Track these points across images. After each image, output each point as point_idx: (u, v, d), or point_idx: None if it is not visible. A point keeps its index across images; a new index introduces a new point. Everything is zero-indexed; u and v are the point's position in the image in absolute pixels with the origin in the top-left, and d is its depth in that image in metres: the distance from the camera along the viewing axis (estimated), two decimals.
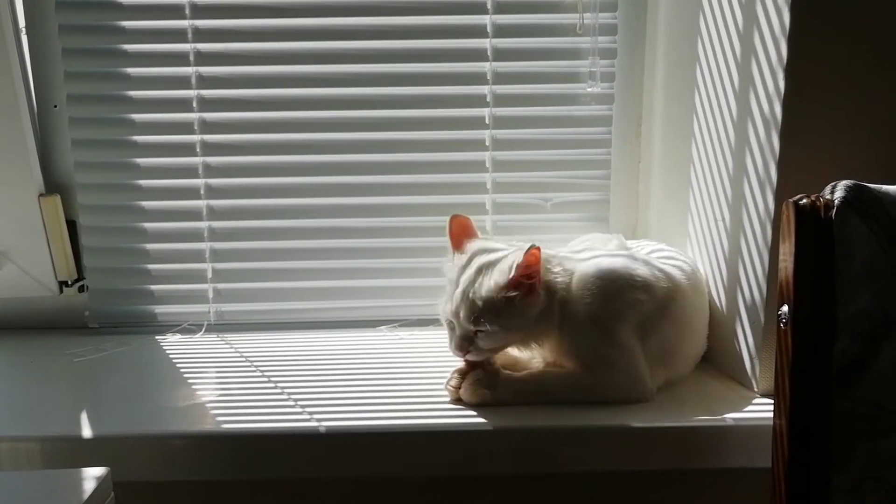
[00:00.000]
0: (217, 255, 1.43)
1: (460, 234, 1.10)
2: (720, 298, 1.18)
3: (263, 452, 1.02)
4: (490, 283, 1.00)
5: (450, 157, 1.41)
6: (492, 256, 1.05)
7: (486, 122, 1.39)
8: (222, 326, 1.44)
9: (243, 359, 1.28)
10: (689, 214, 1.27)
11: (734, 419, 1.03)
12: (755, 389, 1.10)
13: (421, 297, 1.45)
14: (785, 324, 0.85)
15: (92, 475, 0.86)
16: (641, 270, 1.08)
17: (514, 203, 1.43)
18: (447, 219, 1.37)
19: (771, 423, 1.00)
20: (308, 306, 1.46)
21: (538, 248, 0.99)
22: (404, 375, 1.19)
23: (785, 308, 0.86)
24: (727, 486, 1.08)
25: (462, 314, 1.03)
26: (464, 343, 1.04)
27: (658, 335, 1.07)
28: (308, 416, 1.05)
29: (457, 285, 1.05)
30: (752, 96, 1.07)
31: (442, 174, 1.42)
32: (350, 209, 1.43)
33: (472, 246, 1.08)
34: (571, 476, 1.08)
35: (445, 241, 1.42)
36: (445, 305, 1.07)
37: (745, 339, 1.12)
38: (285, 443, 1.01)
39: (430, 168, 1.42)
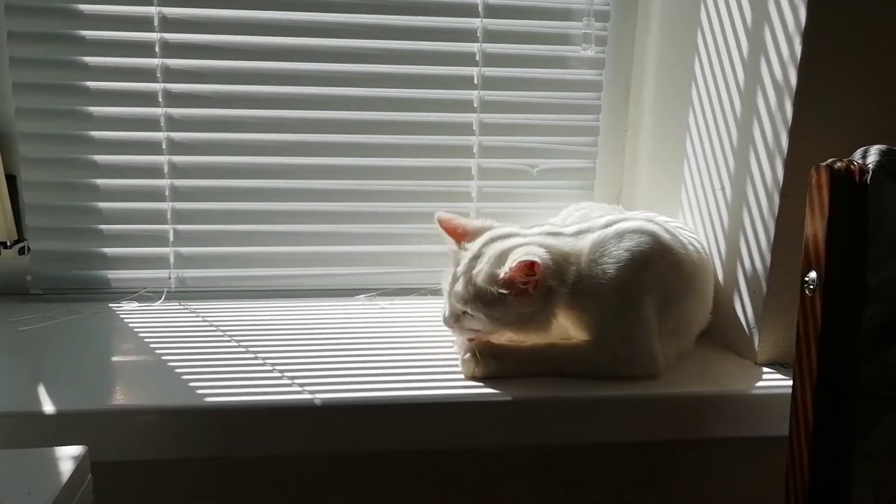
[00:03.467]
0: (180, 216, 1.31)
1: (453, 231, 1.07)
2: (718, 270, 1.16)
3: (255, 427, 0.93)
4: (486, 273, 0.97)
5: (435, 117, 1.34)
6: (504, 245, 1.00)
7: (475, 82, 1.32)
8: (185, 294, 1.33)
9: (214, 328, 1.18)
10: (683, 184, 1.25)
11: (741, 389, 1.02)
12: (755, 360, 1.09)
13: (400, 264, 1.39)
14: (812, 290, 0.84)
15: (68, 455, 0.76)
16: (672, 242, 1.05)
17: (499, 168, 1.38)
18: (429, 183, 1.34)
19: (776, 391, 1.01)
20: (279, 273, 1.36)
21: (532, 263, 0.94)
22: (394, 345, 1.13)
23: (813, 274, 0.84)
24: (734, 456, 1.08)
25: (455, 293, 1.00)
26: (451, 319, 1.02)
27: (678, 310, 1.05)
28: (300, 388, 0.97)
29: (461, 264, 1.02)
30: (762, 63, 1.05)
31: (426, 136, 1.35)
32: (326, 170, 1.34)
33: (489, 232, 1.04)
34: (580, 448, 1.05)
35: (427, 206, 1.37)
36: (448, 277, 1.03)
37: (745, 311, 1.11)
38: (280, 417, 0.93)
39: (413, 129, 1.34)
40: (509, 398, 0.96)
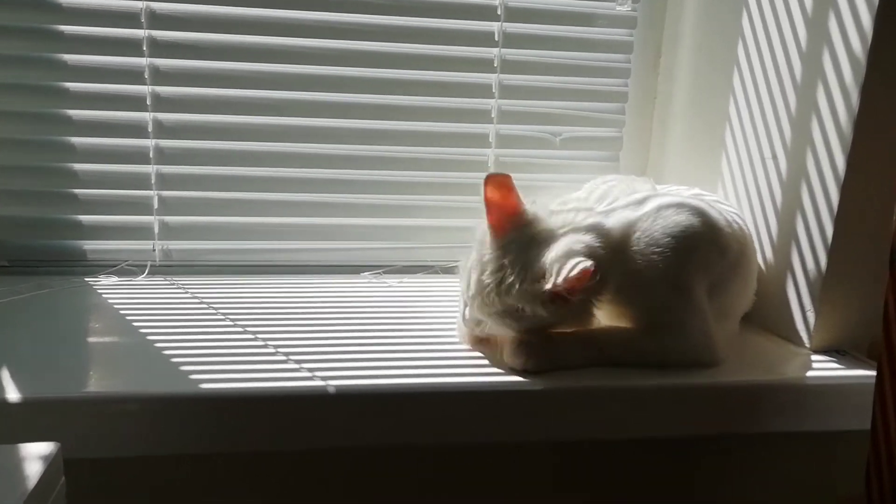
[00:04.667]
0: (165, 181, 1.17)
1: (502, 202, 0.87)
2: (766, 248, 1.06)
3: (260, 418, 0.80)
4: (519, 287, 0.82)
5: (451, 77, 1.21)
6: (540, 246, 0.84)
7: (496, 39, 1.20)
8: (171, 268, 1.19)
9: (206, 306, 1.05)
10: (724, 154, 1.14)
11: (798, 377, 0.92)
12: (808, 345, 0.99)
13: (409, 239, 1.27)
14: None
15: (36, 453, 0.63)
16: (720, 222, 0.95)
17: (519, 136, 1.26)
18: (442, 150, 1.21)
19: (841, 381, 0.91)
20: (276, 247, 1.23)
21: (592, 268, 0.78)
22: (410, 328, 1.00)
23: None
24: (797, 451, 0.97)
25: (476, 304, 0.86)
26: (473, 325, 0.90)
27: (725, 292, 0.94)
28: (310, 375, 0.84)
29: (482, 264, 0.86)
30: (830, 13, 0.94)
31: (440, 98, 1.22)
32: (329, 133, 1.20)
33: (531, 215, 0.88)
34: (628, 442, 0.93)
35: (438, 175, 1.25)
36: (467, 272, 0.89)
37: (798, 293, 1.01)
38: (289, 406, 0.81)
39: (426, 90, 1.21)
40: (547, 387, 0.84)
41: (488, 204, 0.87)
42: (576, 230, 0.85)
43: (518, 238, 0.85)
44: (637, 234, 0.89)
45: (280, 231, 1.22)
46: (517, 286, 0.81)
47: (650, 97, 1.30)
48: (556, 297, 0.81)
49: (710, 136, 1.18)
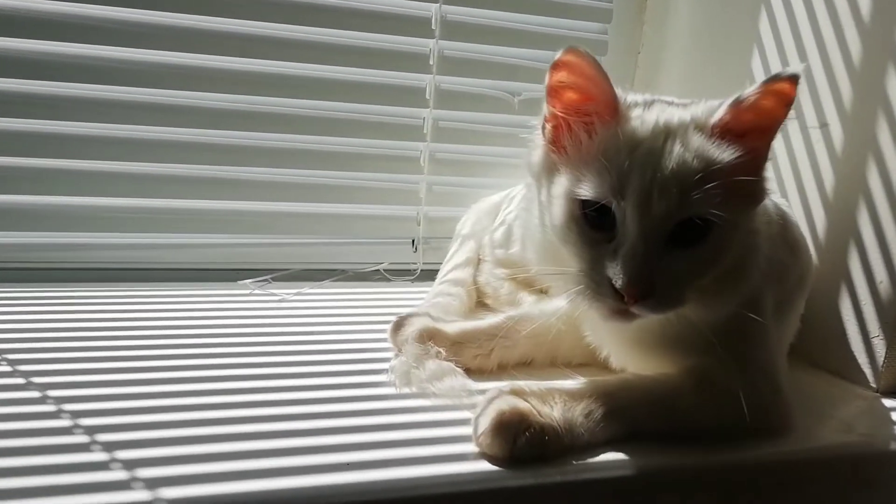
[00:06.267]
0: None
1: (579, 86, 0.57)
2: (812, 251, 0.77)
3: None
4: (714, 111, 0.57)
5: (373, 4, 0.86)
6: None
7: None
8: None
9: None
10: None
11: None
12: (873, 385, 0.71)
13: (308, 231, 0.91)
14: None
15: None
16: (792, 217, 0.71)
17: (466, 93, 0.92)
18: (361, 109, 0.83)
19: None
20: (104, 241, 0.85)
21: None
22: (312, 376, 0.65)
23: None
24: None
25: (661, 182, 0.53)
26: (650, 261, 0.53)
27: (791, 316, 0.70)
28: (127, 476, 0.47)
29: (629, 138, 0.56)
30: None
31: (360, 33, 0.87)
32: (182, 72, 0.82)
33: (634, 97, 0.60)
34: None
35: (358, 144, 0.89)
36: (573, 188, 0.56)
37: (859, 313, 0.73)
38: None
39: (337, 20, 0.85)
40: (548, 481, 0.51)
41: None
42: None
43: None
44: None
45: (109, 218, 0.83)
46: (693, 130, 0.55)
47: (633, 50, 1.00)
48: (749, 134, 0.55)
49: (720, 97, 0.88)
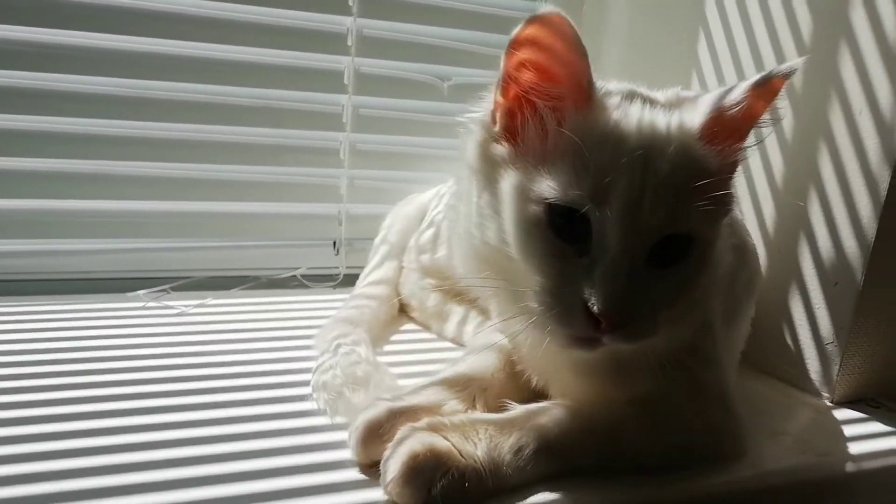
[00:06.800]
0: None
1: (548, 61, 0.47)
2: (760, 252, 0.72)
3: None
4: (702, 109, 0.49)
5: None
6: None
7: None
8: None
9: None
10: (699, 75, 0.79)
11: (864, 456, 0.59)
12: (827, 395, 0.66)
13: (215, 233, 0.81)
14: None
15: None
16: (738, 218, 0.64)
17: (389, 77, 0.83)
18: (267, 95, 0.73)
19: None
20: None
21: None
22: (212, 404, 0.56)
23: None
24: None
25: (653, 190, 0.45)
26: (632, 282, 0.45)
27: (739, 326, 0.64)
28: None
29: (608, 133, 0.47)
30: None
31: (269, 9, 0.77)
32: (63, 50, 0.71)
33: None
34: None
35: (263, 136, 0.79)
36: (547, 189, 0.46)
37: (812, 319, 0.68)
38: None
39: None
40: None
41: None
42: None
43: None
44: None
45: None
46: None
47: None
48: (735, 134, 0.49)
49: (666, 75, 0.81)
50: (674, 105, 0.50)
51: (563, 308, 0.45)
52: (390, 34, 0.82)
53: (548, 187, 0.46)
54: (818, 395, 0.67)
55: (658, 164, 0.45)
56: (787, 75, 0.48)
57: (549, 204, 0.46)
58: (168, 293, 0.76)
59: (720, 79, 0.76)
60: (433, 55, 0.84)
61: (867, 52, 0.62)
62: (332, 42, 0.80)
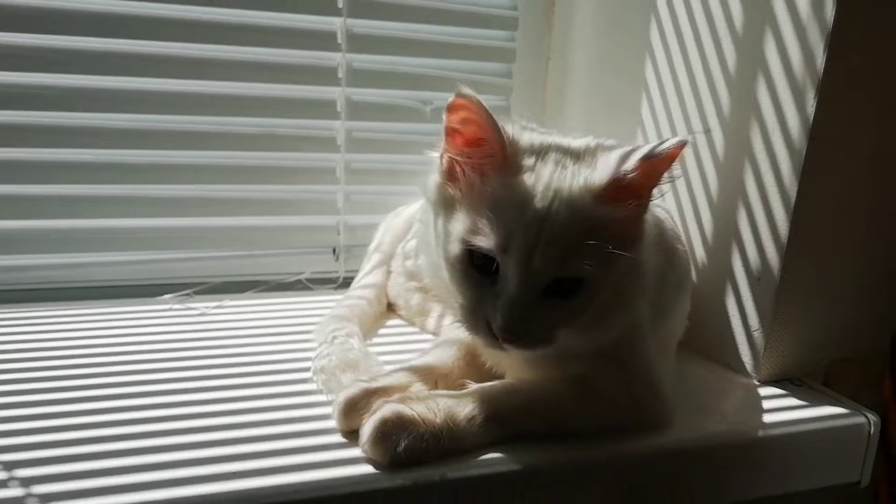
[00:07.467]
0: None
1: (470, 132, 0.58)
2: (699, 249, 0.82)
3: None
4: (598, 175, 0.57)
5: (280, 20, 0.88)
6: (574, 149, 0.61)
7: None
8: None
9: None
10: (641, 129, 0.89)
11: (770, 424, 0.69)
12: (754, 375, 0.77)
13: (230, 245, 0.94)
14: None
15: None
16: (668, 225, 0.73)
17: (377, 104, 0.95)
18: (274, 122, 0.86)
19: (810, 425, 0.69)
20: (17, 263, 0.86)
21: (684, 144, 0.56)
22: (228, 387, 0.68)
23: None
24: None
25: (546, 243, 0.55)
26: (525, 312, 0.56)
27: (671, 319, 0.73)
28: (22, 493, 0.50)
29: (519, 193, 0.57)
30: None
31: (269, 49, 0.88)
32: (92, 93, 0.83)
33: (531, 137, 0.61)
34: None
35: (272, 157, 0.91)
36: (466, 234, 0.58)
37: (741, 308, 0.78)
38: None
39: (246, 37, 0.87)
40: (454, 476, 0.56)
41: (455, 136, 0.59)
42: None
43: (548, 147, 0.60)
44: None
45: (25, 239, 0.84)
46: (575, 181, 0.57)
47: (543, 55, 1.03)
48: (632, 191, 0.57)
49: (621, 105, 0.93)
50: (590, 153, 0.60)
51: (475, 323, 0.58)
52: (377, 66, 0.93)
53: (470, 233, 0.57)
54: (748, 375, 0.77)
55: (551, 224, 0.55)
56: (679, 147, 0.55)
57: (470, 247, 0.57)
58: (191, 296, 0.88)
59: (657, 127, 0.87)
60: (414, 83, 0.94)
61: (779, 82, 0.72)
62: (325, 75, 0.91)
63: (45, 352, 0.72)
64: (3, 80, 0.79)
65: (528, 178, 0.57)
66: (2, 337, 0.75)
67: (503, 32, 0.99)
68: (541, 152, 0.59)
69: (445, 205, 0.61)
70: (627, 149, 0.58)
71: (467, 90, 0.56)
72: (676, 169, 0.58)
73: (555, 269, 0.55)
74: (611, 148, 0.60)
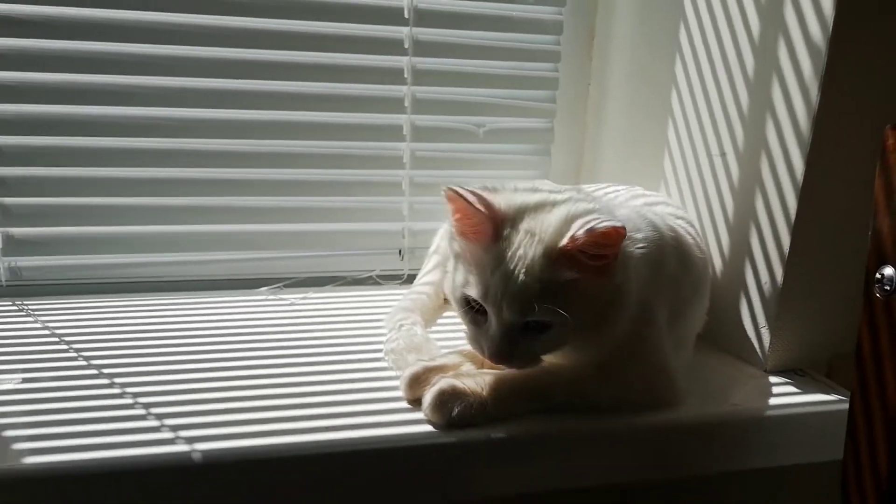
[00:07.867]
0: (9, 186, 0.96)
1: (461, 213, 0.72)
2: (717, 258, 0.94)
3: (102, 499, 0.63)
4: (545, 246, 0.69)
5: (355, 60, 1.04)
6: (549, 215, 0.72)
7: (406, 16, 1.03)
8: (20, 289, 0.99)
9: (57, 339, 0.86)
10: (668, 150, 1.02)
11: (766, 407, 0.81)
12: (763, 367, 0.88)
13: (314, 246, 1.09)
14: (888, 292, 0.62)
15: None
16: (686, 238, 0.84)
17: (438, 128, 1.10)
18: (350, 145, 1.03)
19: (807, 409, 0.81)
20: (148, 260, 1.04)
21: (623, 228, 0.67)
22: (314, 362, 0.84)
23: (890, 271, 0.62)
24: (765, 488, 0.87)
25: (508, 299, 0.69)
26: (505, 346, 0.70)
27: (688, 318, 0.84)
28: (172, 436, 0.67)
29: (495, 258, 0.70)
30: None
31: (347, 84, 1.04)
32: (207, 124, 1.01)
33: (519, 200, 0.74)
34: (579, 492, 0.80)
35: (347, 174, 1.08)
36: (462, 285, 0.73)
37: (751, 308, 0.90)
38: (137, 482, 0.63)
39: (328, 74, 1.03)
40: (497, 436, 0.71)
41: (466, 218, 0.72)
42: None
43: (531, 208, 0.73)
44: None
45: (153, 241, 1.03)
46: (538, 250, 0.68)
47: (583, 83, 1.16)
48: (578, 262, 0.68)
49: (651, 128, 1.05)
50: (577, 200, 0.73)
51: (476, 347, 0.73)
52: (437, 96, 1.07)
53: (465, 283, 0.72)
54: (757, 366, 0.90)
55: (513, 284, 0.68)
56: (599, 231, 0.65)
57: (465, 294, 0.72)
58: (282, 289, 1.04)
59: (682, 151, 0.99)
60: (470, 109, 1.08)
61: (782, 118, 0.83)
62: (393, 105, 1.05)
63: (172, 332, 0.89)
64: (142, 113, 0.98)
65: (503, 244, 0.70)
66: (140, 319, 0.93)
67: (548, 64, 1.12)
68: (517, 221, 0.71)
69: (455, 256, 0.76)
70: (584, 220, 0.67)
71: (453, 188, 0.70)
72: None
73: (519, 318, 0.69)
74: (584, 213, 0.70)
